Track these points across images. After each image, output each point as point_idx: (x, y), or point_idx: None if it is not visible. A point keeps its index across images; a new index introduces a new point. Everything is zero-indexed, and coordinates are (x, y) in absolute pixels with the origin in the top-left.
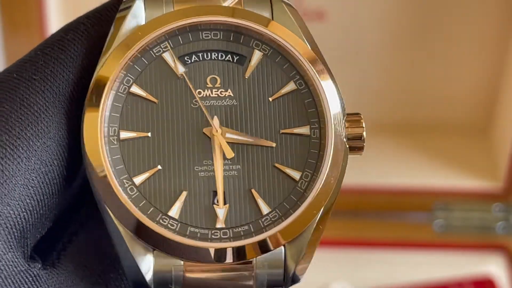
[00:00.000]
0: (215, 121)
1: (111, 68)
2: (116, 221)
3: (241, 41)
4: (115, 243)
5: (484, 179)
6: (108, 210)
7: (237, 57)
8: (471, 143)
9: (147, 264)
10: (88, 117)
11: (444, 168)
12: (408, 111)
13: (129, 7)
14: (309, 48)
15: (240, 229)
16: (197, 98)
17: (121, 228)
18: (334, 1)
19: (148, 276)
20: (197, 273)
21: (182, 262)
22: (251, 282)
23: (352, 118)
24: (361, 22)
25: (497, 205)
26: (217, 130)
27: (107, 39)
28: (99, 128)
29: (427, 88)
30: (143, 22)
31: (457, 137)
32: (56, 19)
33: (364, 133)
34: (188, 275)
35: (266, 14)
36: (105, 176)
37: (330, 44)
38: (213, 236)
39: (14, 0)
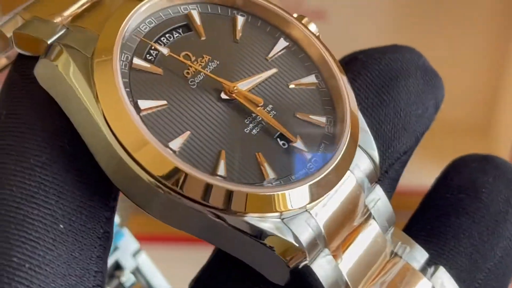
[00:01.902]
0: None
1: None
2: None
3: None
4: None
5: None
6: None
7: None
8: (471, 143)
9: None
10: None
11: (444, 168)
12: None
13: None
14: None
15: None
16: (200, 69)
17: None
18: (334, 1)
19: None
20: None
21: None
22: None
23: None
24: (361, 22)
25: None
26: (235, 87)
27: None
28: (124, 103)
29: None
30: None
31: (457, 137)
32: None
33: None
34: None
35: None
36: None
37: (330, 44)
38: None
39: (14, 0)
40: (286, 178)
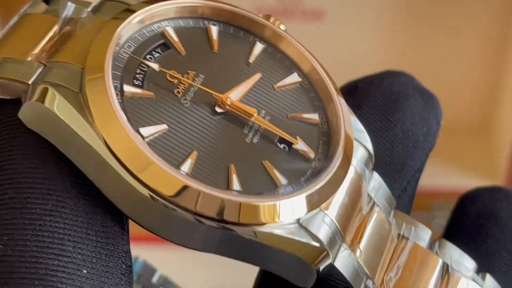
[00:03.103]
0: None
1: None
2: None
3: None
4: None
5: (484, 179)
6: None
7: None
8: (471, 143)
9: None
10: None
11: (444, 168)
12: None
13: None
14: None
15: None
16: (194, 84)
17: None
18: (334, 1)
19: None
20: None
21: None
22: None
23: None
24: (360, 22)
25: None
26: (227, 98)
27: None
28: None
29: (427, 88)
30: None
31: (457, 137)
32: None
33: None
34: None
35: None
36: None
37: (330, 44)
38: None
39: (14, 0)
40: (297, 182)
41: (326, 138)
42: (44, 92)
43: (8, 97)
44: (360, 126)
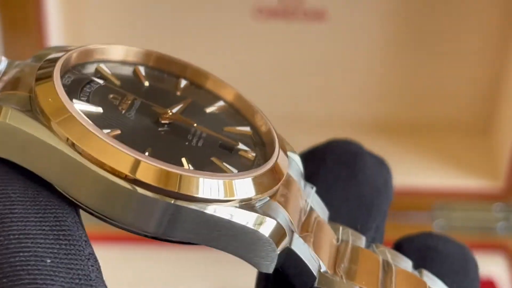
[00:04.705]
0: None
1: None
2: None
3: None
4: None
5: (485, 179)
6: None
7: None
8: (471, 143)
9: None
10: None
11: (444, 168)
12: (409, 110)
13: None
14: None
15: None
16: (137, 98)
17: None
18: (334, 1)
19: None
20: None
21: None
22: None
23: None
24: (361, 22)
25: (498, 205)
26: (169, 111)
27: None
28: None
29: (427, 87)
30: None
31: (457, 137)
32: (55, 19)
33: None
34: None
35: None
36: None
37: (330, 44)
38: None
39: (14, 0)
40: (245, 171)
41: (261, 144)
42: None
43: None
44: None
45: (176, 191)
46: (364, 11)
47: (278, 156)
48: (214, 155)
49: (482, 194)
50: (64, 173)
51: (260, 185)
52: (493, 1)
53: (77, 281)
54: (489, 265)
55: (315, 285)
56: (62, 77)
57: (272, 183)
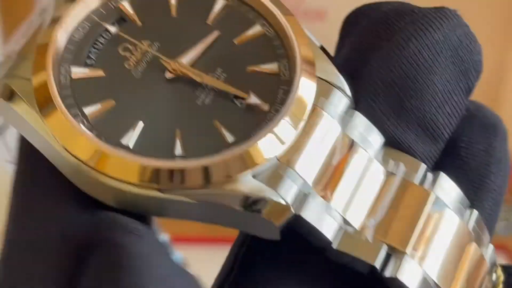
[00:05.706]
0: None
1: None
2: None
3: None
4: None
5: None
6: None
7: None
8: None
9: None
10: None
11: None
12: None
13: None
14: None
15: None
16: (148, 49)
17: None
18: (334, 1)
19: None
20: None
21: None
22: None
23: None
24: None
25: None
26: (175, 63)
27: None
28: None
29: None
30: None
31: None
32: None
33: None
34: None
35: None
36: None
37: (330, 44)
38: None
39: (13, 0)
40: (246, 137)
41: (287, 86)
42: (7, 88)
43: None
44: (336, 72)
45: (138, 183)
46: None
47: (293, 103)
48: (218, 116)
49: None
50: (63, 166)
51: (263, 151)
52: (493, 2)
53: None
54: None
55: (334, 246)
56: (75, 28)
57: (283, 142)
